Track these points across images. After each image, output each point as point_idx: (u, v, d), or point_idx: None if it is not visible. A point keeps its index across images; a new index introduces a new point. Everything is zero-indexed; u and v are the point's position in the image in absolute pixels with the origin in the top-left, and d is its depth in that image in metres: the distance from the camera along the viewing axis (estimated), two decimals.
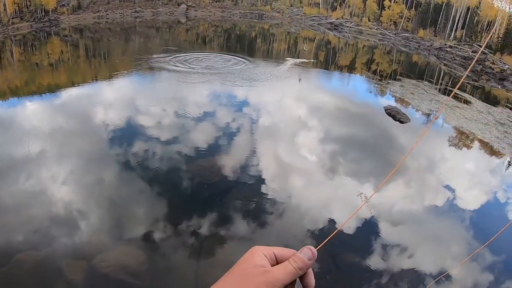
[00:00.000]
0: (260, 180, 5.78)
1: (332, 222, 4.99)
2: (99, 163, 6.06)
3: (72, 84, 10.76)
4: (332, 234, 0.68)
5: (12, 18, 21.62)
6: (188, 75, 11.45)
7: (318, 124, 8.57)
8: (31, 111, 8.19)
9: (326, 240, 0.62)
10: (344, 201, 5.61)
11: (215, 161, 6.27)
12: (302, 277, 0.55)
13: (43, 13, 27.20)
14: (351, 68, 16.58)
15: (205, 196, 5.43)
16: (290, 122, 8.35)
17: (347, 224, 4.97)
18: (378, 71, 15.89)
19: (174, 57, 13.89)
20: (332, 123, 8.69)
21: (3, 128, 7.20)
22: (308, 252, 0.55)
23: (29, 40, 18.15)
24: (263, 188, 5.58)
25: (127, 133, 7.22)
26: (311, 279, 0.56)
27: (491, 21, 36.84)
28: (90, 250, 4.10)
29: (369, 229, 5.01)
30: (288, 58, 15.43)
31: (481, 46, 29.62)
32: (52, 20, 27.10)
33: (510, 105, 14.80)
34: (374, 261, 4.40)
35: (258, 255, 0.55)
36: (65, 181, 5.41)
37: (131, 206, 5.03)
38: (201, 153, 6.56)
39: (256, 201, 5.24)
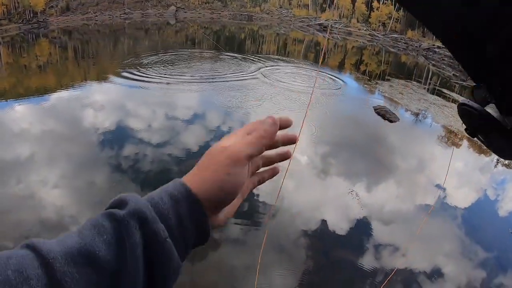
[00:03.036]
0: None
1: (324, 221, 5.03)
2: (89, 166, 6.00)
3: (60, 86, 10.63)
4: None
5: (0, 20, 21.28)
6: (177, 76, 11.44)
7: (307, 122, 8.62)
8: (20, 114, 8.07)
9: None
10: (335, 200, 5.65)
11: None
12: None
13: (31, 15, 26.82)
14: (340, 69, 16.70)
15: None
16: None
17: (339, 223, 5.02)
18: (367, 71, 16.06)
19: (163, 56, 13.86)
20: (321, 122, 8.75)
21: None
22: (267, 120, 0.54)
23: (17, 42, 17.90)
24: (255, 189, 5.58)
25: (116, 136, 7.16)
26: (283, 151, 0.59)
27: None
28: None
29: (361, 228, 5.06)
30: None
31: None
32: (40, 21, 26.71)
33: None
34: (367, 259, 4.43)
35: (225, 139, 0.53)
36: (56, 185, 5.35)
37: None
38: (191, 154, 6.56)
39: (249, 201, 5.25)
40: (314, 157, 7.02)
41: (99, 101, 8.96)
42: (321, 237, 4.76)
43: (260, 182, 0.61)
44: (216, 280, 3.90)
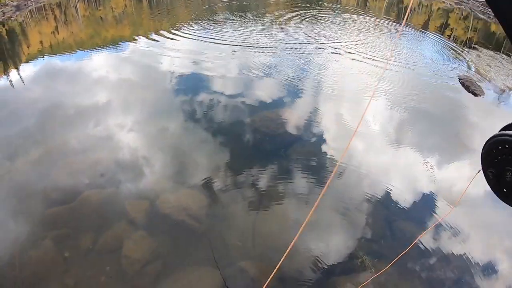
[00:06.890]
0: (323, 140, 5.67)
1: (391, 188, 4.80)
2: (164, 113, 6.28)
3: (136, 36, 11.03)
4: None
5: None
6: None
7: (385, 83, 8.10)
8: (97, 63, 8.56)
9: None
10: (409, 170, 5.33)
11: (279, 114, 6.26)
12: None
13: None
14: (424, 30, 15.26)
15: (268, 148, 5.46)
16: (355, 84, 7.95)
17: (404, 196, 4.72)
18: (452, 36, 14.49)
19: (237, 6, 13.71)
20: (401, 84, 8.17)
21: (72, 78, 7.63)
22: None
23: None
24: (325, 147, 5.47)
25: (190, 84, 7.39)
26: None
27: None
28: (153, 192, 4.32)
29: (425, 202, 4.75)
30: None
31: None
32: None
33: None
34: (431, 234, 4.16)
35: None
36: (131, 129, 5.67)
37: (195, 154, 5.18)
38: (265, 105, 6.60)
39: (317, 159, 5.16)
40: (389, 122, 6.62)
41: (170, 53, 9.16)
42: (388, 204, 4.54)
43: None
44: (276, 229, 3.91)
